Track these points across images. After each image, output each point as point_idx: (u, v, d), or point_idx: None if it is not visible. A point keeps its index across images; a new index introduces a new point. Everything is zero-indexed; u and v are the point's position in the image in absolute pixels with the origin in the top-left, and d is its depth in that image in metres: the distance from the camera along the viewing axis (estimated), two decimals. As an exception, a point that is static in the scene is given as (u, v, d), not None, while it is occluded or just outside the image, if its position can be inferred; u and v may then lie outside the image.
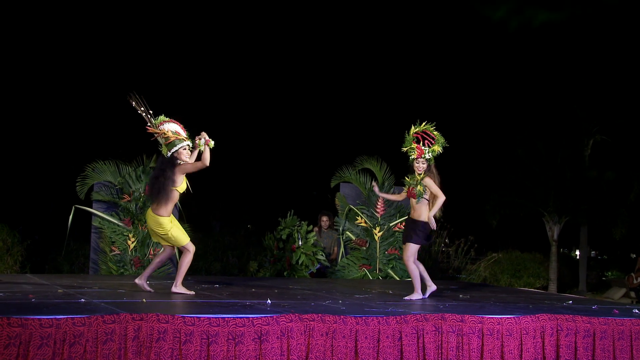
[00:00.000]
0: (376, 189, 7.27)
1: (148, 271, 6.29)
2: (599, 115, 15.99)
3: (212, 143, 6.06)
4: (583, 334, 5.24)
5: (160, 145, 6.12)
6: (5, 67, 15.75)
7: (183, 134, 6.14)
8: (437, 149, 6.64)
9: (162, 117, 6.18)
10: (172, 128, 6.10)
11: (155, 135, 6.13)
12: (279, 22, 17.89)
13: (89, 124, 16.64)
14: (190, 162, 6.12)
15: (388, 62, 18.64)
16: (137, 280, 6.19)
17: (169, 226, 6.06)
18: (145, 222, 6.40)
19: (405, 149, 6.69)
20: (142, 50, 17.07)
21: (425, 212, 6.59)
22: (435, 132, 6.69)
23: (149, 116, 6.15)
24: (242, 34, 18.05)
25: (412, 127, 6.72)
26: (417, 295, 6.64)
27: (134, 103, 6.13)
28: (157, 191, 6.02)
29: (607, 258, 21.96)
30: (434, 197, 6.59)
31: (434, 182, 6.58)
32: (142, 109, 6.14)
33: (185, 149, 6.08)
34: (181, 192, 6.15)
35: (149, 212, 6.12)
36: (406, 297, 6.62)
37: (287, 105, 19.08)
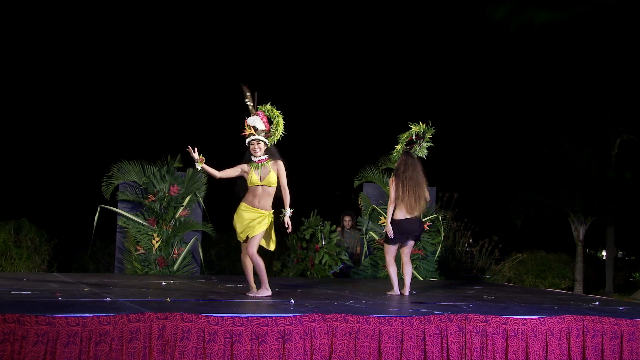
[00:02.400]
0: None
1: (264, 279, 6.17)
2: (626, 114, 15.76)
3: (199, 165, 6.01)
4: (610, 335, 5.17)
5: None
6: (31, 67, 15.98)
7: (261, 127, 6.10)
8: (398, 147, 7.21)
9: (265, 107, 6.20)
10: (251, 122, 6.09)
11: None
12: (301, 24, 17.93)
13: (115, 125, 16.82)
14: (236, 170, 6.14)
15: (412, 62, 18.56)
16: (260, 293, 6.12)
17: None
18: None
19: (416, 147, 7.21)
20: (166, 54, 17.21)
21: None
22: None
23: (254, 109, 6.16)
24: (267, 34, 18.11)
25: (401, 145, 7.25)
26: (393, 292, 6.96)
27: (245, 89, 6.13)
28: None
29: (635, 259, 21.62)
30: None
31: (392, 186, 6.99)
32: (250, 100, 6.14)
33: (252, 144, 6.08)
34: (251, 185, 6.13)
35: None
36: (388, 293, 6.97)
37: (310, 105, 19.09)
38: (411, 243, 7.09)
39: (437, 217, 10.04)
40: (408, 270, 7.00)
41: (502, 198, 16.41)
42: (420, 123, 7.15)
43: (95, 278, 7.38)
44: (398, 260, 7.20)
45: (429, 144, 7.20)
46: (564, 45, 15.46)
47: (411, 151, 7.07)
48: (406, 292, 6.92)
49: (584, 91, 16.25)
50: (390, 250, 7.01)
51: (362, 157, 10.95)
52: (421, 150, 7.11)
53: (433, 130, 7.16)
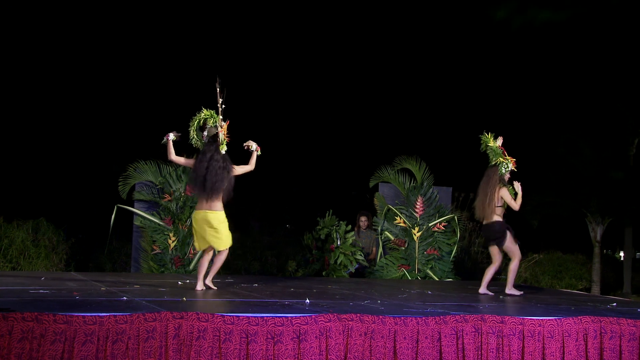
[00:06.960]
0: None
1: (212, 273, 6.47)
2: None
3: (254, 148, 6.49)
4: (628, 337, 5.13)
5: (220, 140, 6.35)
6: (48, 67, 16.11)
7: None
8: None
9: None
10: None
11: (220, 129, 6.36)
12: (315, 25, 17.94)
13: (131, 125, 16.92)
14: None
15: (428, 63, 18.50)
16: (201, 287, 6.30)
17: (226, 222, 6.33)
18: (194, 222, 6.46)
19: (496, 161, 7.52)
20: (180, 54, 17.29)
21: None
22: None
23: (221, 109, 6.37)
24: (283, 34, 18.14)
25: (491, 140, 7.65)
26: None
27: (218, 89, 6.36)
28: (222, 185, 6.21)
29: (654, 260, 21.39)
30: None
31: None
32: (221, 100, 6.37)
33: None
34: None
35: (208, 212, 6.26)
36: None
37: (326, 105, 19.10)
38: (495, 246, 7.52)
39: (453, 217, 10.01)
40: (508, 268, 7.54)
41: (518, 198, 16.25)
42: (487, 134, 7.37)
43: (112, 277, 7.44)
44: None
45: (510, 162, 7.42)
46: (580, 43, 15.33)
47: (497, 164, 7.40)
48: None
49: (601, 90, 16.09)
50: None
51: (377, 157, 10.94)
52: (503, 166, 7.30)
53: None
